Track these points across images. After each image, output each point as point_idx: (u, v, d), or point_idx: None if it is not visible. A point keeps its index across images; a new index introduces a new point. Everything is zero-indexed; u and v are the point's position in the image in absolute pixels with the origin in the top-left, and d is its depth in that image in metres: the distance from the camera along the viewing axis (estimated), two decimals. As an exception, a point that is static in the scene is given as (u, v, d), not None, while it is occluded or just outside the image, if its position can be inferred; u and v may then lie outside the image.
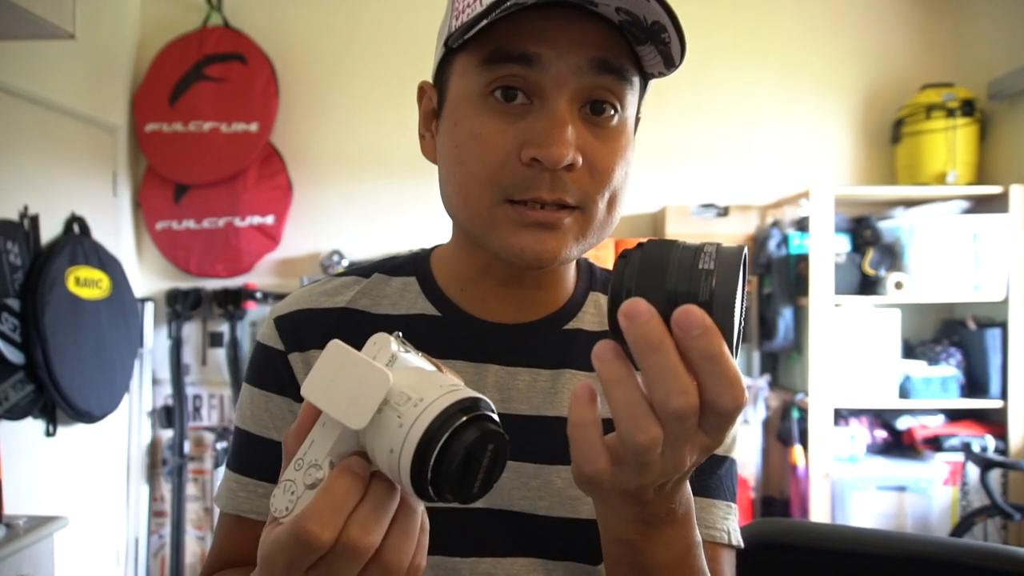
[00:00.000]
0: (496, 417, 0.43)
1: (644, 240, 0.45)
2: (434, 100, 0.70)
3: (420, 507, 0.46)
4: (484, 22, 0.58)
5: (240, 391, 0.77)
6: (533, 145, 0.60)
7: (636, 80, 0.65)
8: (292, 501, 0.42)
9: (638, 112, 0.70)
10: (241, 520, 0.71)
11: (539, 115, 0.61)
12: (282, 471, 0.45)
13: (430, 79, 0.71)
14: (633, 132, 0.68)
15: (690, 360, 0.41)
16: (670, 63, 0.63)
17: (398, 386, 0.41)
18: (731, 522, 0.71)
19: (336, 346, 0.43)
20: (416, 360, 0.45)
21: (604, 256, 2.69)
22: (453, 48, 0.64)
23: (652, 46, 0.62)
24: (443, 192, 0.69)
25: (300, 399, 0.72)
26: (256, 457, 0.72)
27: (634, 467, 0.45)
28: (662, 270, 0.42)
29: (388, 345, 0.44)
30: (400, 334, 0.46)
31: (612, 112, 0.63)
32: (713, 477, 0.71)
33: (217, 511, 0.74)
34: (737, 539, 0.71)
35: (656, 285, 0.42)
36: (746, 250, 0.43)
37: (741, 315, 0.44)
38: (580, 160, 0.61)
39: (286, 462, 0.45)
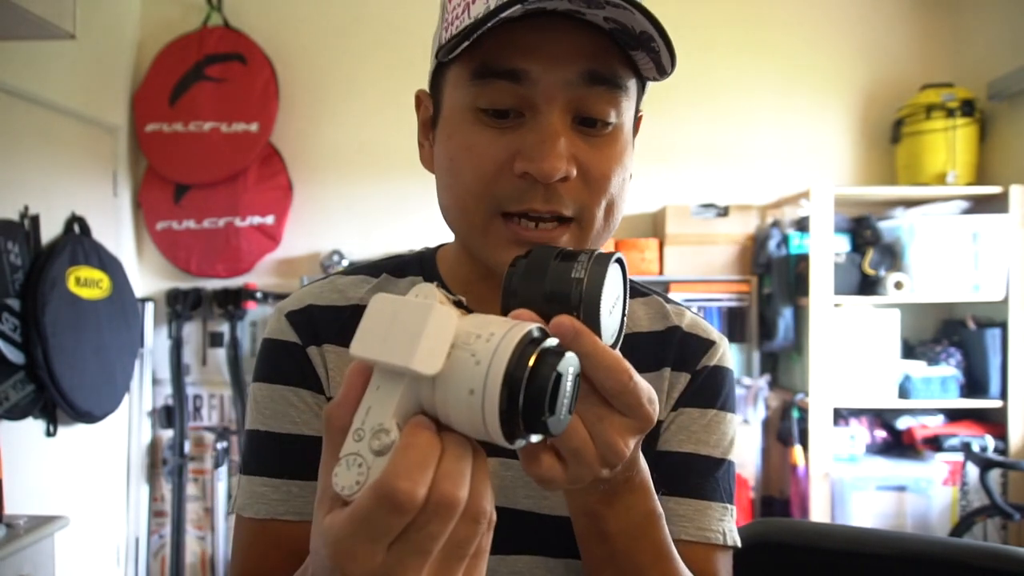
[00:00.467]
0: (559, 343, 0.42)
1: (533, 247, 0.51)
2: (430, 109, 0.70)
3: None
4: (467, 43, 0.57)
5: (249, 395, 0.75)
6: (525, 159, 0.60)
7: (632, 84, 0.64)
8: (362, 474, 0.38)
9: (638, 111, 0.69)
10: (272, 525, 0.68)
11: (530, 128, 0.61)
12: (328, 452, 0.41)
13: (426, 86, 0.71)
14: (632, 134, 0.68)
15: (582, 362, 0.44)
16: (662, 71, 0.63)
17: (462, 326, 0.38)
18: (727, 523, 0.71)
19: (383, 298, 0.39)
20: (455, 309, 0.42)
21: (604, 256, 2.69)
22: (443, 61, 0.64)
23: (644, 53, 0.61)
24: (440, 203, 0.69)
25: (322, 391, 0.72)
26: (286, 456, 0.70)
27: (579, 465, 0.46)
28: (542, 277, 0.47)
29: (434, 293, 0.41)
30: (438, 283, 0.44)
31: (604, 124, 0.63)
32: (710, 480, 0.71)
33: (219, 510, 0.73)
34: (734, 539, 0.71)
35: (536, 291, 0.47)
36: (620, 256, 0.49)
37: (620, 313, 0.50)
38: (574, 172, 0.61)
39: (334, 440, 0.41)
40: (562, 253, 0.48)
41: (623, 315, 0.51)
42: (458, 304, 0.42)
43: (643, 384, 0.46)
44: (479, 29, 0.56)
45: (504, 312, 0.45)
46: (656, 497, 0.55)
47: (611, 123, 0.63)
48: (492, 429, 0.37)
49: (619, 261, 0.49)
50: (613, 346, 0.48)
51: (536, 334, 0.39)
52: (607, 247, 2.76)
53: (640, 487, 0.53)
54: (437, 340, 0.37)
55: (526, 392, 0.37)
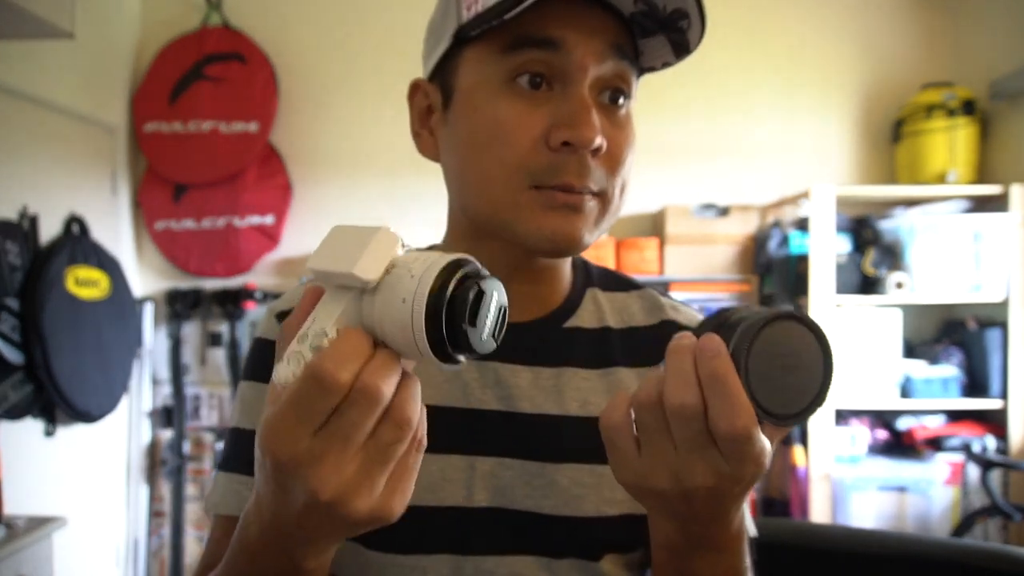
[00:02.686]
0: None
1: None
2: (431, 96, 0.70)
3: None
4: (518, 9, 0.58)
5: (237, 393, 0.75)
6: (564, 127, 0.61)
7: (638, 69, 0.67)
8: (299, 368, 0.42)
9: None
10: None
11: (563, 99, 0.62)
12: (278, 359, 0.44)
13: (408, 84, 0.72)
14: None
15: (701, 377, 0.47)
16: (682, 51, 0.65)
17: (410, 255, 0.42)
18: (747, 515, 0.72)
19: (340, 226, 0.44)
20: None
21: (604, 255, 2.69)
22: (463, 39, 0.65)
23: (663, 35, 0.63)
24: (456, 184, 0.69)
25: None
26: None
27: (651, 464, 0.50)
28: (708, 325, 0.51)
29: (391, 232, 0.44)
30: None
31: (623, 100, 0.65)
32: None
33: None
34: (754, 531, 0.72)
35: (712, 321, 0.51)
36: (806, 323, 0.49)
37: (776, 369, 0.48)
38: (605, 144, 0.63)
39: (283, 348, 0.44)
40: (726, 323, 0.50)
41: (819, 392, 0.49)
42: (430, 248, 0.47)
43: (762, 442, 0.47)
44: (524, 1, 0.58)
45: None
46: (746, 555, 0.55)
47: (627, 101, 0.66)
48: (419, 337, 0.40)
49: (791, 319, 0.48)
50: (768, 413, 0.47)
51: (473, 266, 0.43)
52: (606, 245, 2.73)
53: (729, 546, 0.53)
54: (378, 253, 0.41)
55: (449, 301, 0.40)
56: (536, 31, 0.61)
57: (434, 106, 0.70)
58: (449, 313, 0.40)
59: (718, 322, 0.49)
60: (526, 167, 0.62)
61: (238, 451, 0.72)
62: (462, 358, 0.42)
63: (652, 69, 0.69)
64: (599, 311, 0.76)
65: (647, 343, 0.75)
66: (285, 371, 0.42)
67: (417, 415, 0.43)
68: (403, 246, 0.44)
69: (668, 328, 0.75)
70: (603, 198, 0.65)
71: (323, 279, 0.44)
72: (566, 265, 0.75)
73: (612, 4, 0.62)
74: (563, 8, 0.61)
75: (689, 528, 0.52)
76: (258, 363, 0.74)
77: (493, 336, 0.43)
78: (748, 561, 0.56)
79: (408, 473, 0.45)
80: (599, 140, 0.61)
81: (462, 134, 0.66)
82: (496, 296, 0.42)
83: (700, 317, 0.78)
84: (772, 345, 0.45)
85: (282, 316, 0.75)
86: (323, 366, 0.39)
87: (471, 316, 0.41)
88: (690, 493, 0.50)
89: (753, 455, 0.48)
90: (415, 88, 0.72)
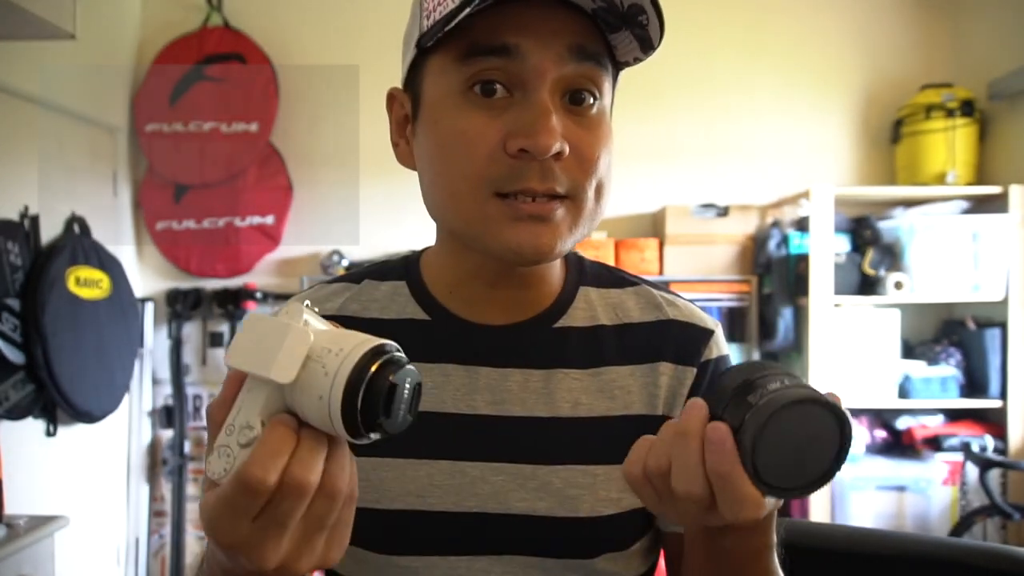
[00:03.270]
0: (405, 357, 0.46)
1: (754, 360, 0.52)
2: (406, 106, 0.70)
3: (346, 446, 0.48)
4: (465, 12, 0.58)
5: None
6: (520, 135, 0.60)
7: (611, 68, 0.66)
8: (229, 463, 0.44)
9: (612, 100, 0.70)
10: None
11: (522, 106, 0.61)
12: (209, 443, 0.47)
13: (399, 85, 0.71)
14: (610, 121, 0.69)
15: (707, 469, 0.48)
16: (648, 46, 0.63)
17: (318, 342, 0.44)
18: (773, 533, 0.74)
19: (254, 315, 0.46)
20: (326, 325, 0.48)
21: (604, 256, 2.69)
22: (426, 49, 0.64)
23: (628, 31, 0.62)
24: (428, 196, 0.68)
25: None
26: None
27: (673, 510, 0.52)
28: (731, 383, 0.49)
29: (300, 312, 0.46)
30: (308, 303, 0.48)
31: (592, 100, 0.64)
32: None
33: None
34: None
35: (720, 394, 0.49)
36: (827, 402, 0.46)
37: (787, 449, 0.46)
38: (567, 148, 0.61)
39: (213, 433, 0.47)
40: (767, 371, 0.48)
41: (827, 467, 0.48)
42: (333, 321, 0.49)
43: (767, 510, 0.48)
44: (467, 6, 0.57)
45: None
46: (774, 532, 0.57)
47: (596, 101, 0.64)
48: (338, 429, 0.43)
49: (818, 404, 0.46)
50: (770, 487, 0.47)
51: (386, 349, 0.44)
52: (606, 245, 2.73)
53: (758, 526, 0.55)
54: (292, 354, 0.43)
55: (364, 399, 0.42)
56: (490, 38, 0.60)
57: (408, 116, 0.70)
58: (364, 409, 0.43)
59: (741, 384, 0.47)
60: (487, 176, 0.62)
61: None
62: (376, 435, 0.44)
63: (628, 64, 0.68)
64: (591, 309, 0.75)
65: (642, 340, 0.74)
66: (217, 465, 0.45)
67: (346, 481, 0.46)
68: (315, 323, 0.46)
69: (668, 326, 0.75)
70: (574, 201, 0.64)
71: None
72: (555, 266, 0.74)
73: (572, 2, 0.60)
74: (518, 11, 0.60)
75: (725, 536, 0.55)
76: None
77: (409, 414, 0.45)
78: (775, 538, 0.57)
79: (343, 526, 0.48)
80: (557, 146, 0.60)
81: (428, 147, 0.66)
82: (408, 383, 0.45)
83: (699, 311, 0.78)
84: (787, 427, 0.45)
85: None
86: (251, 472, 0.42)
87: (385, 409, 0.43)
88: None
89: (761, 525, 0.51)
90: (391, 98, 0.72)
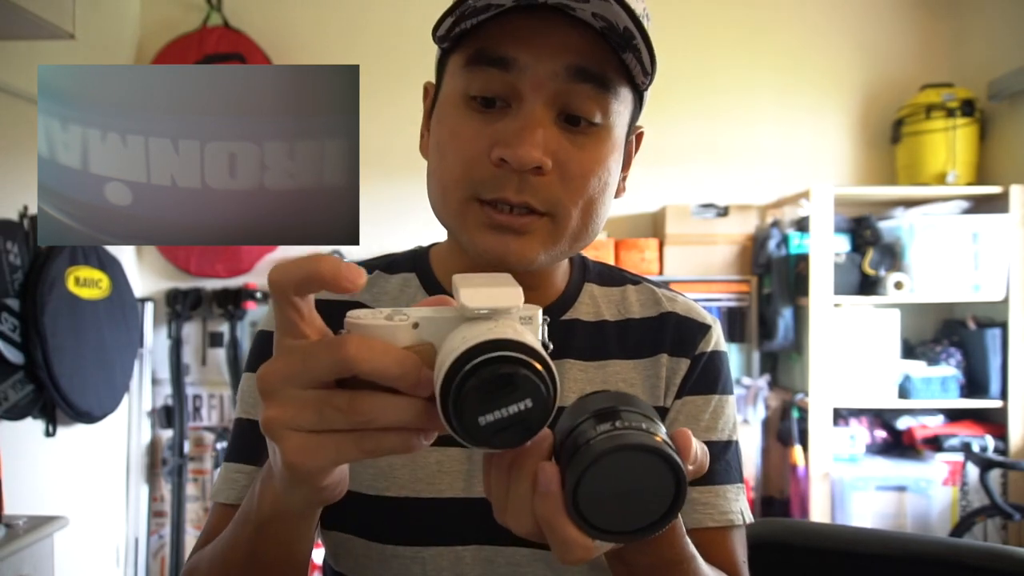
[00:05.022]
0: (554, 389, 0.41)
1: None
2: (431, 98, 0.72)
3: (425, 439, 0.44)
4: (457, 30, 0.59)
5: (240, 384, 0.76)
6: (501, 145, 0.61)
7: (624, 91, 0.64)
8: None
9: (635, 124, 0.70)
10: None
11: (513, 117, 0.62)
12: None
13: (432, 79, 0.72)
14: (627, 145, 0.68)
15: (535, 511, 0.44)
16: (644, 72, 0.63)
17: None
18: (742, 502, 0.73)
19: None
20: None
21: (604, 256, 2.69)
22: (446, 48, 0.66)
23: (631, 55, 0.62)
24: (427, 187, 0.70)
25: None
26: (262, 444, 0.71)
27: None
28: (582, 410, 0.46)
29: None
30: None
31: (587, 123, 0.63)
32: (722, 463, 0.73)
33: None
34: (749, 517, 0.73)
35: (570, 419, 0.46)
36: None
37: (616, 492, 0.43)
38: (549, 163, 0.62)
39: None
40: (581, 422, 0.45)
41: (664, 509, 0.44)
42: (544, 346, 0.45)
43: (597, 552, 0.44)
44: (473, 16, 0.58)
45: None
46: (687, 542, 0.53)
47: (596, 123, 0.63)
48: (437, 384, 0.40)
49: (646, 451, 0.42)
50: (601, 531, 0.43)
51: (530, 349, 0.40)
52: (606, 245, 2.73)
53: (658, 542, 0.51)
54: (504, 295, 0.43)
55: (466, 372, 0.39)
56: (492, 48, 0.61)
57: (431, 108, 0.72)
58: (461, 383, 0.39)
59: (592, 414, 0.45)
60: (469, 179, 0.63)
61: (238, 441, 0.74)
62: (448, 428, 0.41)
63: (646, 87, 0.67)
64: (595, 305, 0.77)
65: (643, 335, 0.76)
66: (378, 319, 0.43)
67: (389, 417, 0.42)
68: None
69: (667, 320, 0.76)
70: (554, 219, 0.64)
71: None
72: (560, 264, 0.76)
73: (581, 18, 0.60)
74: (526, 24, 0.61)
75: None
76: (261, 355, 0.75)
77: (496, 431, 0.40)
78: (690, 550, 0.53)
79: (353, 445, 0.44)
80: (535, 161, 0.60)
81: (432, 143, 0.68)
82: (526, 400, 0.40)
83: (698, 307, 0.79)
84: (614, 472, 0.41)
85: None
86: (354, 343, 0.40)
87: (468, 396, 0.39)
88: None
89: (663, 540, 0.48)
90: (426, 90, 0.74)
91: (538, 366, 0.40)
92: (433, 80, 0.72)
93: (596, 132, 0.64)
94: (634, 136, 0.73)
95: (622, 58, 0.63)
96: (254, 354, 0.76)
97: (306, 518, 0.52)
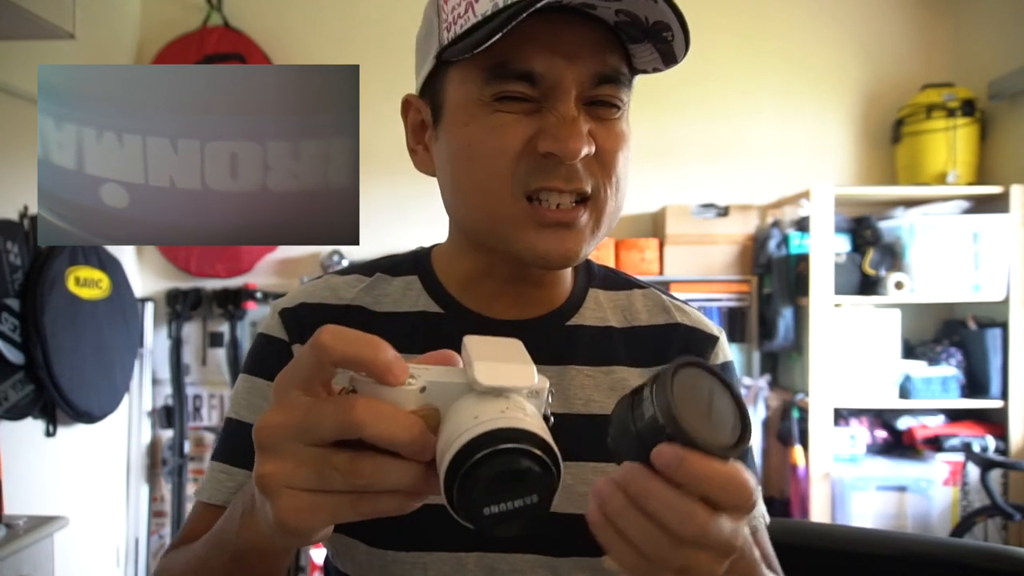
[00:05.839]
0: (555, 482, 0.41)
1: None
2: (423, 112, 0.71)
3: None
4: (486, 44, 0.58)
5: (235, 384, 0.76)
6: (549, 138, 0.62)
7: (628, 77, 0.67)
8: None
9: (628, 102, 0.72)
10: (220, 511, 0.69)
11: (550, 111, 0.63)
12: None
13: (409, 90, 0.72)
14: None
15: (689, 489, 0.42)
16: (670, 60, 0.64)
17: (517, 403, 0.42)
18: (761, 504, 0.75)
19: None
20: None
21: (604, 256, 2.69)
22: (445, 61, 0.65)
23: (650, 44, 0.63)
24: (451, 198, 0.69)
25: None
26: (250, 447, 0.72)
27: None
28: (627, 425, 0.45)
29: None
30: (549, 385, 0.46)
31: (611, 111, 0.65)
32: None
33: None
34: (766, 517, 0.75)
35: (629, 444, 0.44)
36: (686, 360, 0.44)
37: (730, 410, 0.44)
38: (592, 151, 0.63)
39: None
40: (631, 400, 0.45)
41: (738, 412, 0.45)
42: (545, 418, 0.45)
43: (751, 481, 0.43)
44: (498, 31, 0.57)
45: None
46: (763, 572, 0.53)
47: (620, 109, 0.66)
48: (441, 466, 0.40)
49: (689, 365, 0.44)
50: (732, 446, 0.43)
51: (542, 442, 0.40)
52: (607, 245, 2.73)
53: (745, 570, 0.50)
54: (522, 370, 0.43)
55: (472, 465, 0.39)
56: (515, 62, 0.61)
57: (427, 122, 0.71)
58: (466, 474, 0.39)
59: (621, 441, 0.45)
60: (515, 172, 0.63)
61: (227, 441, 0.74)
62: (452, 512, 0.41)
63: (644, 72, 0.69)
64: (601, 310, 0.76)
65: (650, 343, 0.75)
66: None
67: (388, 481, 0.42)
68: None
69: (675, 330, 0.76)
70: (595, 201, 0.65)
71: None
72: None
73: (594, 14, 0.61)
74: (542, 29, 0.60)
75: None
76: (258, 358, 0.75)
77: (499, 522, 0.40)
78: (758, 552, 0.53)
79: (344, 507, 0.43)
80: (585, 150, 0.62)
81: (453, 148, 0.66)
82: (532, 496, 0.40)
83: (705, 318, 0.79)
84: (685, 386, 0.42)
85: (284, 313, 0.75)
86: (355, 412, 0.40)
87: (472, 489, 0.39)
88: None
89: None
90: (407, 104, 0.73)
91: (547, 460, 0.40)
92: (414, 93, 0.72)
93: (617, 113, 0.66)
94: None
95: (628, 49, 0.64)
96: (253, 356, 0.76)
97: (288, 554, 0.53)
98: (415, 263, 0.78)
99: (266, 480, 0.42)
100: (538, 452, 0.40)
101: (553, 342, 0.73)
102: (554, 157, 0.62)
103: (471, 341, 0.44)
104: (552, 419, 0.45)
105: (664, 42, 0.62)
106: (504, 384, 0.42)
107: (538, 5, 0.56)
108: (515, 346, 0.45)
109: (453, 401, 0.42)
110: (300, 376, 0.42)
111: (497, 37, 0.58)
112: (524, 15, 0.56)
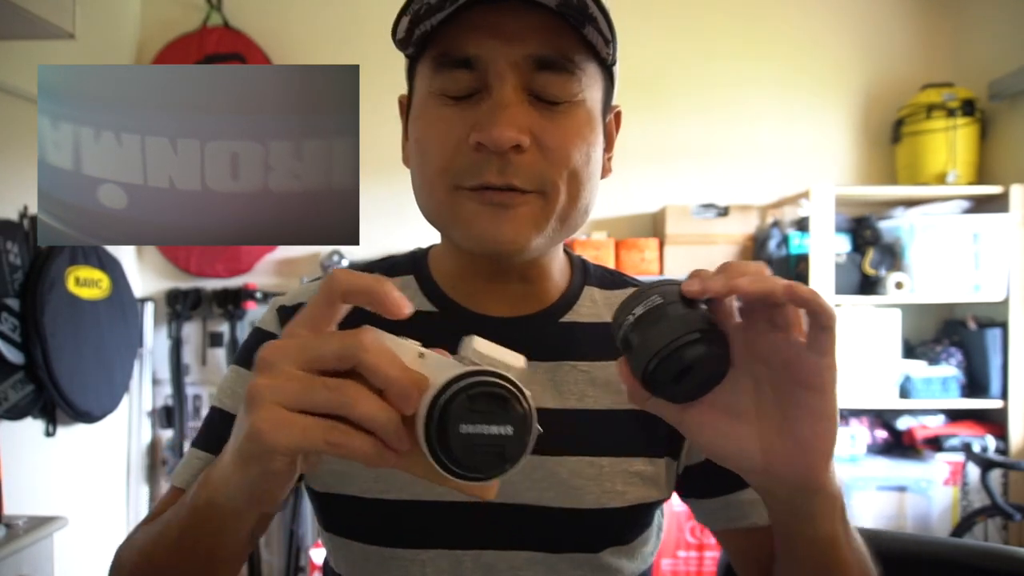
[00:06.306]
0: (533, 429, 0.44)
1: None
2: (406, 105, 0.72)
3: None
4: (423, 27, 0.61)
5: (228, 371, 0.77)
6: (477, 129, 0.61)
7: (591, 67, 0.65)
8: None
9: (611, 103, 0.70)
10: None
11: (485, 102, 0.62)
12: None
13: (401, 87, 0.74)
14: (602, 118, 0.68)
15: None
16: (605, 41, 0.63)
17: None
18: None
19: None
20: None
21: (604, 256, 2.69)
22: (412, 56, 0.68)
23: (591, 27, 0.61)
24: (414, 190, 0.71)
25: None
26: (228, 436, 0.72)
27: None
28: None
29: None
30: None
31: (558, 103, 0.63)
32: None
33: None
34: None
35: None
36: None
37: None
38: (527, 140, 0.61)
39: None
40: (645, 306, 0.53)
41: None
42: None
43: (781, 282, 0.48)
44: (426, 20, 0.60)
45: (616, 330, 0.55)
46: (838, 520, 0.58)
47: (567, 101, 0.64)
48: (423, 402, 0.42)
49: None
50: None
51: (509, 385, 0.43)
52: (607, 245, 2.71)
53: (823, 512, 0.56)
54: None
55: (447, 401, 0.42)
56: (455, 49, 0.62)
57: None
58: (443, 413, 0.42)
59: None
60: (450, 168, 0.63)
61: (207, 429, 0.74)
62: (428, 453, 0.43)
63: (613, 62, 0.68)
64: (596, 308, 0.76)
65: None
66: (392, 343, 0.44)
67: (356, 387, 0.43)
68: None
69: None
70: (543, 196, 0.64)
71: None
72: (557, 262, 0.76)
73: (539, 2, 0.60)
74: (483, 17, 0.61)
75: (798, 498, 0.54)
76: (247, 350, 0.76)
77: (477, 461, 0.43)
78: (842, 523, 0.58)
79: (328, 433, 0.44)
80: (512, 140, 0.60)
81: (412, 142, 0.68)
82: (508, 430, 0.43)
83: None
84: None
85: (282, 311, 0.76)
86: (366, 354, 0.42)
87: (450, 426, 0.41)
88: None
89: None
90: (401, 102, 0.75)
91: (526, 403, 0.43)
92: (406, 92, 0.73)
93: (568, 108, 0.64)
94: (612, 116, 0.72)
95: (583, 33, 0.62)
96: (245, 348, 0.76)
97: (240, 517, 0.52)
98: (412, 263, 0.79)
99: (254, 390, 0.43)
100: (516, 391, 0.43)
101: (547, 338, 0.73)
102: (484, 148, 0.61)
103: (469, 338, 0.47)
104: (541, 431, 0.47)
105: (595, 22, 0.61)
106: (496, 356, 0.45)
107: None
108: (510, 349, 0.48)
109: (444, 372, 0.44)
110: (310, 314, 0.44)
111: (429, 25, 0.60)
112: (455, 5, 0.59)
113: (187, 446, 2.94)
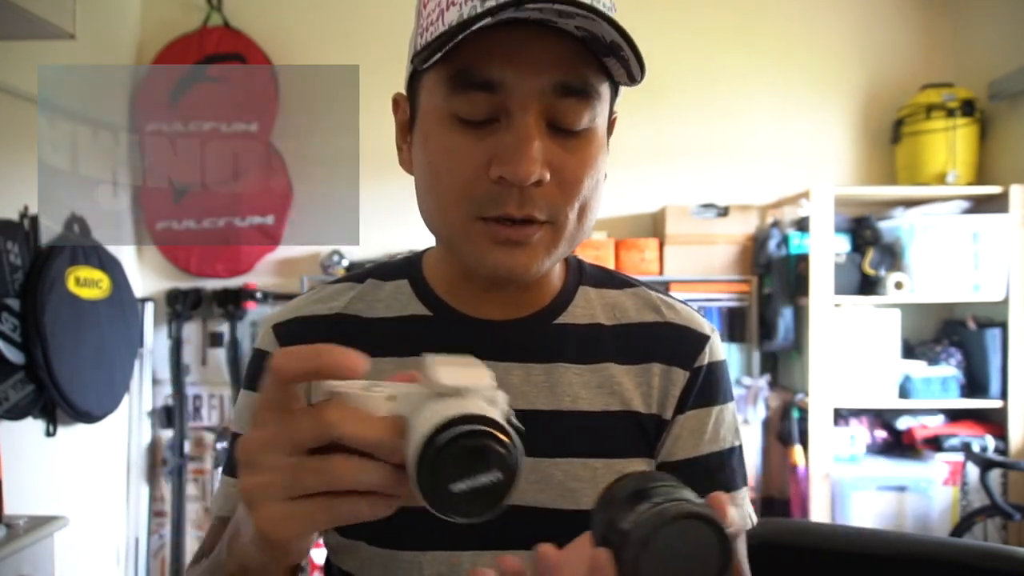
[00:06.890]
0: (518, 464, 0.43)
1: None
2: (407, 112, 0.70)
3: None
4: (439, 54, 0.58)
5: (238, 396, 0.78)
6: (500, 163, 0.61)
7: (605, 88, 0.64)
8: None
9: (612, 113, 0.70)
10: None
11: (506, 132, 0.61)
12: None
13: (403, 90, 0.72)
14: (607, 135, 0.68)
15: None
16: (632, 78, 0.63)
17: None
18: (747, 505, 0.74)
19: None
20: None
21: (604, 256, 2.69)
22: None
23: (615, 60, 0.61)
24: (421, 204, 0.70)
25: None
26: None
27: None
28: (620, 494, 0.48)
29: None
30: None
31: (576, 129, 0.63)
32: (727, 470, 0.74)
33: None
34: (754, 518, 0.75)
35: (608, 507, 0.48)
36: (696, 512, 0.44)
37: (670, 564, 0.44)
38: (547, 176, 0.61)
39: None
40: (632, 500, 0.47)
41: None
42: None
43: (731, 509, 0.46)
44: (451, 40, 0.57)
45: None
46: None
47: (584, 129, 0.63)
48: (413, 457, 0.42)
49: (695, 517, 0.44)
50: None
51: (501, 429, 0.42)
52: (607, 245, 2.72)
53: None
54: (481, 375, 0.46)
55: (443, 444, 0.41)
56: (477, 72, 0.60)
57: (407, 122, 0.71)
58: (437, 454, 0.41)
59: (629, 495, 0.46)
60: (469, 197, 0.63)
61: (232, 455, 0.75)
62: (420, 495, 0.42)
63: (625, 84, 0.67)
64: (590, 308, 0.76)
65: (637, 340, 0.75)
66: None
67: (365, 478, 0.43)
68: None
69: (665, 328, 0.76)
70: (553, 225, 0.64)
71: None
72: (553, 267, 0.75)
73: (563, 29, 0.59)
74: (507, 39, 0.59)
75: None
76: (250, 373, 0.77)
77: (463, 502, 0.42)
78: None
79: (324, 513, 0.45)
80: (536, 175, 0.60)
81: (419, 160, 0.67)
82: (497, 474, 0.43)
83: (696, 315, 0.78)
84: (666, 545, 0.43)
85: (277, 328, 0.76)
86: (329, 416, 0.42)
87: (440, 466, 0.41)
88: None
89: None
90: (395, 102, 0.73)
91: (507, 440, 0.43)
92: (403, 92, 0.71)
93: (584, 135, 0.64)
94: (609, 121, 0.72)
95: (603, 61, 0.62)
96: (249, 371, 0.77)
97: (278, 570, 0.53)
98: (407, 267, 0.79)
99: (246, 494, 0.44)
100: (498, 433, 0.42)
101: (541, 341, 0.73)
102: (505, 181, 0.61)
103: (429, 356, 0.46)
104: (523, 429, 0.47)
105: (624, 60, 0.61)
106: (462, 383, 0.44)
107: (496, 18, 0.56)
108: (470, 359, 0.48)
109: (419, 408, 0.44)
110: (268, 400, 0.44)
111: (450, 45, 0.57)
112: (478, 25, 0.56)
113: (187, 446, 2.95)
